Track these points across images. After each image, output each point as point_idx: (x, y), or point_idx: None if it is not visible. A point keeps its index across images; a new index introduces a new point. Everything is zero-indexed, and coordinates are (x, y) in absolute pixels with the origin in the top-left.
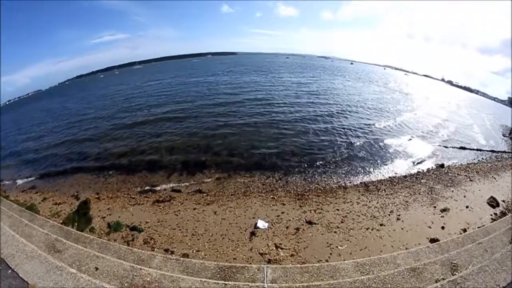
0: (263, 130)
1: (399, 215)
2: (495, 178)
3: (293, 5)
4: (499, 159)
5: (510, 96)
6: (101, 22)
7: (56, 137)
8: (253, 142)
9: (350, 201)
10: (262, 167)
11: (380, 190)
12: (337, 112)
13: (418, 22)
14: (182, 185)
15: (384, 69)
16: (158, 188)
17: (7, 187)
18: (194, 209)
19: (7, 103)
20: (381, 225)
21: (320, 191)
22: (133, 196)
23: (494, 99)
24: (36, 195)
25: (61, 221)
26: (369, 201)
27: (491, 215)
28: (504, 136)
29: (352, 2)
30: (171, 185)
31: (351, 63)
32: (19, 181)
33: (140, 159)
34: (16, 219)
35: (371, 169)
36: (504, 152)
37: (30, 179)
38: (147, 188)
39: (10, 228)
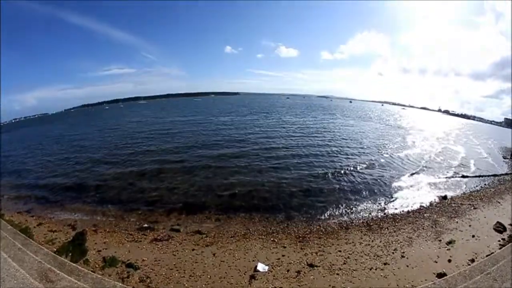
0: (264, 172)
1: (403, 252)
2: (499, 203)
3: (293, 46)
4: (501, 182)
5: (506, 117)
6: (111, 55)
7: (58, 164)
8: (254, 184)
9: (352, 242)
10: (263, 209)
11: (383, 228)
12: (338, 152)
13: (413, 56)
14: (181, 224)
15: (382, 105)
16: (156, 226)
17: (3, 205)
18: (193, 250)
19: (13, 121)
20: (385, 264)
21: (321, 233)
22: (131, 233)
23: (491, 122)
24: (32, 218)
25: (55, 249)
26: (372, 240)
27: (499, 241)
28: (505, 159)
29: (350, 41)
30: (170, 224)
31: (350, 102)
32: (16, 202)
33: (140, 196)
34: (9, 241)
35: (373, 207)
36: (506, 174)
37: (27, 201)
38: (145, 225)
39: (3, 250)
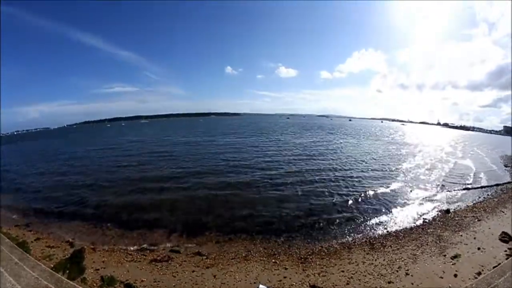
0: (264, 193)
1: (407, 269)
2: (503, 212)
3: (292, 67)
4: (504, 191)
5: (505, 125)
6: (114, 73)
7: (59, 180)
8: (255, 205)
9: (355, 261)
10: (264, 230)
11: (386, 246)
12: (338, 170)
13: (410, 72)
14: (182, 246)
15: (382, 122)
16: (156, 247)
17: (1, 218)
18: (193, 271)
19: (15, 133)
20: (389, 282)
21: (323, 254)
22: (130, 252)
23: (490, 131)
24: (30, 233)
25: (52, 265)
26: (375, 259)
27: (505, 251)
28: (506, 167)
29: (348, 60)
30: (170, 245)
31: (350, 120)
32: (14, 215)
33: (140, 216)
34: (6, 255)
35: (375, 225)
36: (509, 183)
37: (26, 215)
38: (145, 245)
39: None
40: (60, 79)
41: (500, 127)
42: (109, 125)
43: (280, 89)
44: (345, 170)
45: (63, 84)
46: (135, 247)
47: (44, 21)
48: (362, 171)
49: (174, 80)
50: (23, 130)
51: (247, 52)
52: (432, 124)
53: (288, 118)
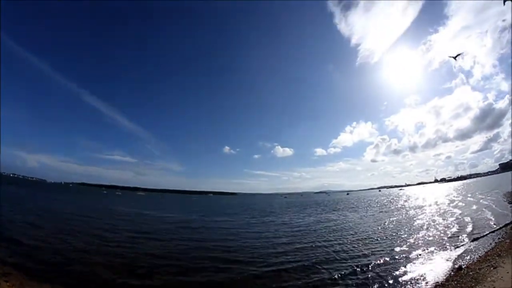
0: (265, 280)
1: None
2: None
3: (288, 146)
4: None
5: (500, 163)
6: (116, 141)
7: (48, 237)
8: None
9: None
10: None
11: None
12: (341, 248)
13: (401, 136)
14: None
15: (379, 190)
16: None
17: None
18: None
19: (11, 175)
20: None
21: None
22: None
23: (487, 173)
24: (6, 284)
25: None
26: None
27: None
28: (510, 203)
29: (341, 135)
30: None
31: (347, 194)
32: None
33: None
34: None
35: None
36: None
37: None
38: None
39: None
40: (64, 135)
41: (496, 166)
42: (105, 192)
43: (276, 168)
44: (348, 245)
45: (66, 140)
46: None
47: (63, 79)
48: (367, 243)
49: (173, 156)
50: (20, 175)
51: (245, 133)
52: (430, 182)
53: (285, 197)
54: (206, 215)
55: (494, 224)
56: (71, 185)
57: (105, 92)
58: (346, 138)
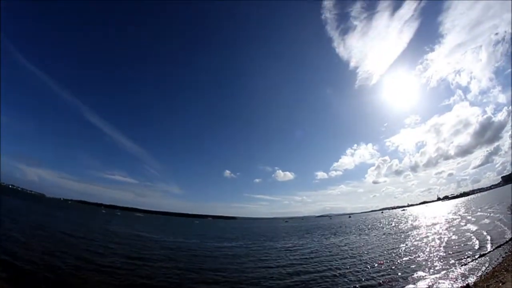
0: None
1: None
2: None
3: (289, 170)
4: None
5: (502, 176)
6: (117, 161)
7: (43, 254)
8: None
9: None
10: None
11: None
12: (344, 269)
13: (402, 156)
14: None
15: (382, 212)
16: None
17: None
18: None
19: (10, 186)
20: None
21: None
22: None
23: (490, 187)
24: None
25: None
26: None
27: None
28: None
29: (342, 157)
30: None
31: (349, 216)
32: None
33: None
34: None
35: None
36: None
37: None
38: None
39: None
40: (67, 152)
41: (498, 179)
42: (104, 211)
43: (277, 192)
44: (353, 268)
45: (67, 157)
46: None
47: (70, 96)
48: (371, 266)
49: (174, 179)
50: (19, 187)
51: (246, 157)
52: (433, 201)
53: (286, 221)
54: (205, 239)
55: (500, 236)
56: (70, 201)
57: (109, 112)
58: (347, 160)
